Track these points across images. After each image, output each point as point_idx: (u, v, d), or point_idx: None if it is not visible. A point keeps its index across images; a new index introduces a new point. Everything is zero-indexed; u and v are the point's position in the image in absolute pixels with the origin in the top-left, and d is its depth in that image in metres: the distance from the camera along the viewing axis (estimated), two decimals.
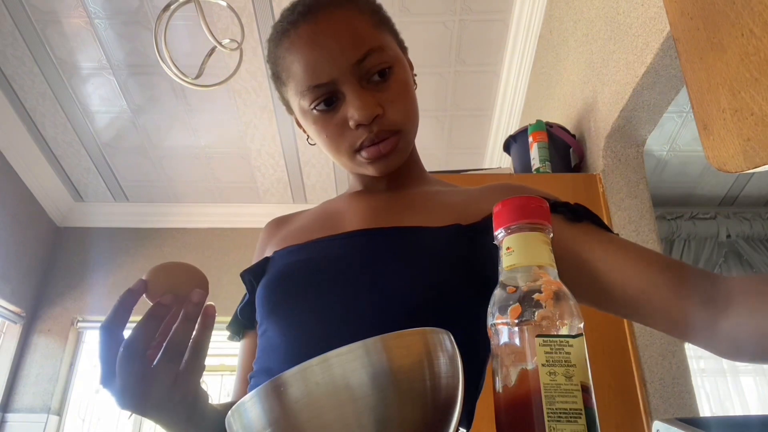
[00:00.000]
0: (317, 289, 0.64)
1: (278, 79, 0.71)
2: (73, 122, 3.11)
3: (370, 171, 0.69)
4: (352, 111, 0.64)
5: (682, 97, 1.78)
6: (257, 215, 3.66)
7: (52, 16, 2.54)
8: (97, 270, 3.56)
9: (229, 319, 0.78)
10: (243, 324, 0.76)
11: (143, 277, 0.53)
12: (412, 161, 0.77)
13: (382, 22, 0.69)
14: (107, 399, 3.40)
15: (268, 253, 0.75)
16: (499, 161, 3.03)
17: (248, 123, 3.07)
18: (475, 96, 2.93)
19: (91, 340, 3.54)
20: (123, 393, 0.50)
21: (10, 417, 3.18)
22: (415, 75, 0.75)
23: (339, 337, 0.59)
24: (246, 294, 0.75)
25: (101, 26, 2.59)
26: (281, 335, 0.63)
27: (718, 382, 3.13)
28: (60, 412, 3.28)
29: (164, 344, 0.50)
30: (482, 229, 0.64)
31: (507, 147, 1.98)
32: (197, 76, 2.00)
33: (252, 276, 0.73)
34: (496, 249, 0.62)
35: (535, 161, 1.76)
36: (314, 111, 0.66)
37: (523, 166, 1.84)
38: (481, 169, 1.90)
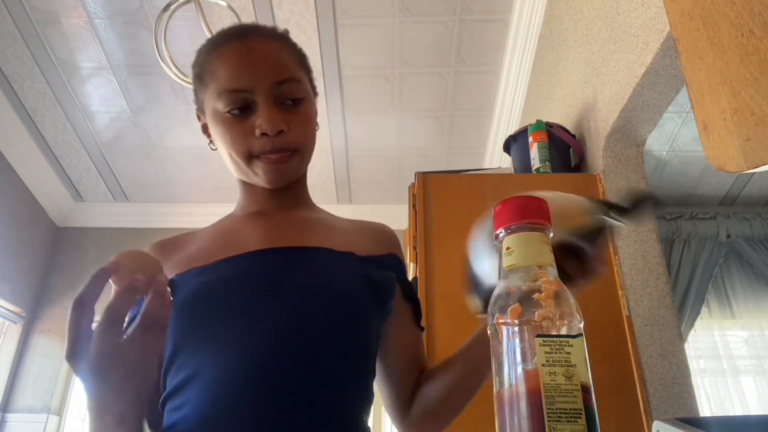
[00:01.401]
0: (235, 307, 0.67)
1: (200, 80, 0.77)
2: (73, 122, 3.11)
3: (261, 180, 0.76)
4: (261, 121, 0.71)
5: (682, 97, 1.78)
6: None
7: (52, 16, 2.54)
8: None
9: None
10: None
11: (112, 259, 0.59)
12: (302, 188, 0.85)
13: (304, 65, 0.80)
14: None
15: (169, 276, 0.74)
16: (499, 161, 3.03)
17: None
18: (475, 96, 2.93)
19: None
20: (97, 361, 0.52)
21: (10, 417, 3.18)
22: (318, 125, 0.83)
23: (258, 348, 0.63)
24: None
25: (101, 26, 2.59)
26: (204, 355, 0.64)
27: (718, 382, 3.13)
28: (60, 412, 3.28)
29: (139, 317, 0.55)
30: (375, 263, 0.76)
31: (507, 147, 1.98)
32: None
33: None
34: (390, 280, 0.76)
35: (535, 161, 1.76)
36: (226, 114, 0.73)
37: (523, 166, 1.84)
38: (481, 169, 1.91)
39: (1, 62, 2.76)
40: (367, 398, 0.70)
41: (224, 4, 2.01)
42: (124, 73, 2.82)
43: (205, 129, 0.81)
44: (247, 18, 2.52)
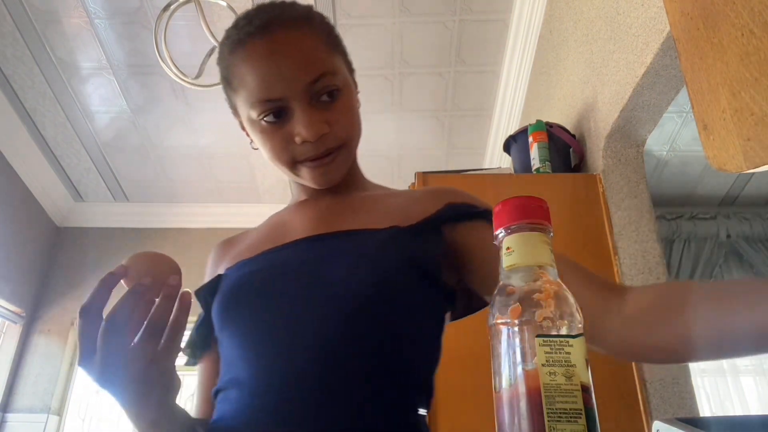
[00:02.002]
0: (266, 297, 0.66)
1: (229, 84, 0.73)
2: (73, 122, 3.11)
3: (310, 184, 0.74)
4: (300, 128, 0.67)
5: (682, 97, 1.78)
6: (257, 215, 3.65)
7: (52, 16, 2.54)
8: (97, 270, 3.56)
9: None
10: (199, 345, 0.76)
11: (123, 263, 0.57)
12: (353, 168, 0.81)
13: (334, 44, 0.73)
14: (98, 390, 3.40)
15: (221, 272, 0.76)
16: (499, 161, 3.03)
17: None
18: (475, 96, 2.93)
19: None
20: (103, 368, 0.52)
21: (10, 417, 3.18)
22: (359, 92, 0.78)
23: (291, 341, 0.61)
24: (201, 313, 0.76)
25: (101, 26, 2.59)
26: (239, 346, 0.65)
27: (718, 382, 3.13)
28: (60, 412, 3.28)
29: (145, 322, 0.53)
30: (419, 230, 0.69)
31: (507, 147, 1.98)
32: (197, 76, 2.00)
33: (207, 294, 0.74)
34: (435, 246, 0.68)
35: (535, 161, 1.76)
36: (262, 122, 0.69)
37: (523, 166, 1.84)
38: (481, 169, 1.91)
39: (1, 62, 2.76)
40: (412, 389, 0.64)
41: (224, 4, 2.01)
42: (124, 73, 2.82)
43: (242, 127, 0.78)
44: None
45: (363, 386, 0.60)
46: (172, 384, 0.57)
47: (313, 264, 0.67)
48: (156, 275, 0.55)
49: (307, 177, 0.72)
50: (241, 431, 0.59)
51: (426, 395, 0.66)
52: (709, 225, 3.31)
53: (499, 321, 0.39)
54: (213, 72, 2.73)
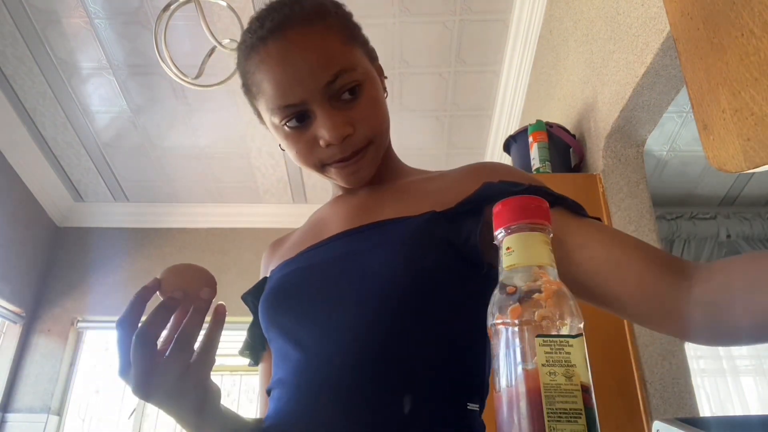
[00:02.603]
0: (304, 296, 0.66)
1: (249, 91, 0.71)
2: (73, 122, 3.11)
3: (341, 183, 0.72)
4: (323, 131, 0.65)
5: (682, 97, 1.78)
6: (257, 215, 3.67)
7: (52, 16, 2.54)
8: (97, 270, 3.56)
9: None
10: (254, 346, 0.78)
11: (158, 276, 0.57)
12: (387, 158, 0.78)
13: (352, 36, 0.69)
14: (118, 393, 3.40)
15: (268, 274, 0.77)
16: (499, 161, 3.03)
17: (248, 123, 3.07)
18: (475, 96, 2.93)
19: (91, 340, 3.54)
20: (137, 380, 0.52)
21: (10, 417, 3.18)
22: (386, 77, 0.76)
23: (333, 337, 0.60)
24: (253, 317, 0.78)
25: (101, 26, 2.59)
26: (282, 346, 0.66)
27: (718, 382, 3.13)
28: (60, 412, 3.28)
29: (176, 335, 0.53)
30: (457, 213, 0.65)
31: (507, 147, 1.98)
32: (197, 76, 2.00)
33: (253, 297, 0.76)
34: (474, 226, 0.64)
35: (535, 161, 1.76)
36: (285, 127, 0.67)
37: (523, 166, 1.84)
38: None
39: (1, 62, 2.76)
40: (466, 384, 0.61)
41: (224, 4, 2.01)
42: (124, 73, 2.82)
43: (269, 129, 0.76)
44: (247, 18, 2.51)
45: (405, 385, 0.58)
46: (207, 395, 0.57)
47: (348, 258, 0.66)
48: (188, 288, 0.55)
49: (337, 178, 0.71)
50: (288, 431, 0.59)
51: (477, 387, 0.62)
52: (709, 225, 3.31)
53: (499, 321, 0.39)
54: (213, 72, 2.73)
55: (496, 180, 0.67)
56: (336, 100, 0.65)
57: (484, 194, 0.65)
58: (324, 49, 0.65)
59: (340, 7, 0.70)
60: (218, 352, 0.57)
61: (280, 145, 0.73)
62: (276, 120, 0.67)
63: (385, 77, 0.76)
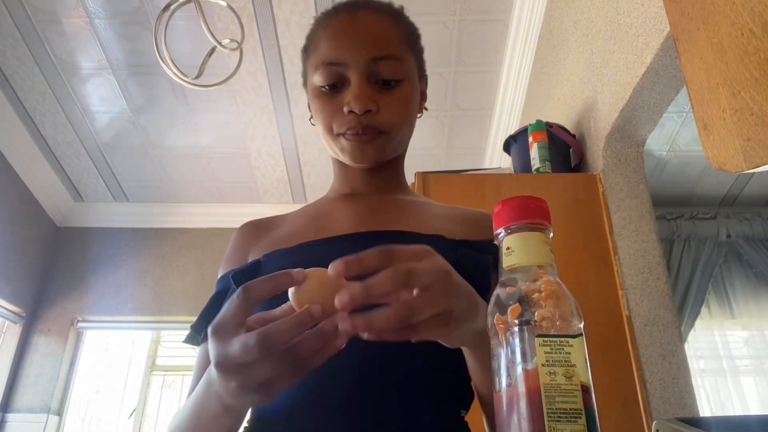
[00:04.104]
0: None
1: (305, 51, 0.76)
2: (73, 122, 3.11)
3: (346, 157, 0.73)
4: (350, 98, 0.69)
5: (682, 97, 1.78)
6: (257, 215, 3.65)
7: (52, 16, 2.54)
8: (97, 270, 3.56)
9: None
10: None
11: (305, 271, 0.47)
12: (397, 171, 0.81)
13: (412, 42, 0.75)
14: (118, 393, 3.40)
15: (255, 257, 0.73)
16: (499, 161, 3.03)
17: (248, 123, 3.07)
18: (475, 96, 2.93)
19: (91, 340, 3.54)
20: (236, 369, 0.44)
21: (10, 417, 3.18)
22: (426, 109, 0.80)
23: None
24: (212, 296, 0.73)
25: (101, 26, 2.59)
26: None
27: (718, 382, 3.13)
28: (60, 412, 3.28)
29: (291, 354, 0.44)
30: (464, 245, 0.69)
31: (507, 147, 1.98)
32: (197, 76, 2.00)
33: (243, 278, 0.69)
34: (485, 265, 0.66)
35: (535, 161, 1.76)
36: (321, 89, 0.72)
37: (523, 166, 1.84)
38: (481, 169, 1.91)
39: (1, 62, 2.76)
40: (459, 393, 0.64)
41: (224, 4, 2.01)
42: (124, 73, 2.82)
43: (309, 103, 0.79)
44: (247, 18, 2.52)
45: (412, 390, 0.59)
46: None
47: None
48: (325, 307, 0.44)
49: (344, 152, 0.72)
50: (292, 427, 0.58)
51: (467, 395, 0.66)
52: (709, 225, 3.31)
53: (499, 321, 0.39)
54: (213, 72, 2.72)
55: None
56: (373, 79, 0.70)
57: (488, 249, 0.68)
58: (382, 33, 0.71)
59: (411, 22, 0.77)
60: None
61: (310, 119, 0.77)
62: (317, 79, 0.71)
63: (426, 108, 0.80)
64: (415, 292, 0.43)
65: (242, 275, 0.71)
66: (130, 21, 2.56)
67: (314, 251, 0.69)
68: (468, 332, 0.48)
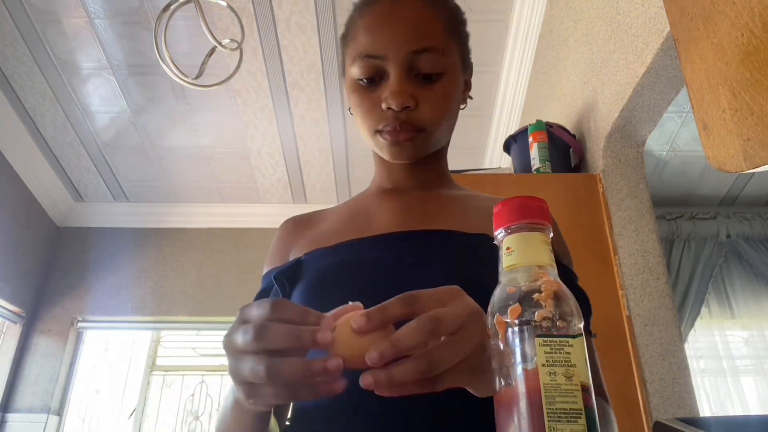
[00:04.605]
0: (354, 291, 0.60)
1: (344, 39, 0.74)
2: (73, 122, 3.11)
3: (384, 154, 0.71)
4: (387, 93, 0.66)
5: (682, 97, 1.78)
6: (257, 215, 3.67)
7: (52, 16, 2.55)
8: (97, 270, 3.56)
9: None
10: None
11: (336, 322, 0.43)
12: (439, 165, 0.79)
13: (455, 31, 0.72)
14: (118, 393, 3.40)
15: (296, 255, 0.72)
16: (499, 161, 3.03)
17: (248, 123, 3.07)
18: (475, 96, 2.93)
19: (91, 340, 3.54)
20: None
21: (10, 417, 3.18)
22: (471, 98, 0.78)
23: None
24: (257, 294, 0.74)
25: (101, 26, 2.59)
26: None
27: (718, 382, 3.13)
28: (60, 412, 3.28)
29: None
30: None
31: (507, 147, 1.98)
32: (197, 76, 2.00)
33: (284, 277, 0.70)
34: None
35: (535, 161, 1.76)
36: (359, 81, 0.69)
37: (523, 166, 1.84)
38: (481, 169, 1.91)
39: (1, 62, 2.76)
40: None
41: (224, 4, 2.01)
42: (124, 73, 2.82)
43: (347, 93, 0.77)
44: (247, 18, 2.52)
45: (444, 399, 0.55)
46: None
47: (405, 261, 0.64)
48: (354, 356, 0.41)
49: (383, 149, 0.70)
50: (329, 426, 0.57)
51: None
52: (709, 225, 3.32)
53: (498, 321, 0.39)
54: (213, 72, 2.72)
55: (557, 247, 0.67)
56: (413, 73, 0.67)
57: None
58: (424, 23, 0.67)
59: (457, 7, 0.74)
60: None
61: (349, 109, 0.75)
62: (355, 71, 0.69)
63: (470, 97, 0.77)
64: (443, 339, 0.41)
65: (284, 275, 0.70)
66: (130, 21, 2.56)
67: (353, 251, 0.68)
68: None
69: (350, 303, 0.45)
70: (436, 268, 0.63)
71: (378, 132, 0.69)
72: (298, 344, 0.41)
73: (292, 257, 0.73)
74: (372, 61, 0.67)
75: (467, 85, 0.77)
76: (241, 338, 0.42)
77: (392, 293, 0.59)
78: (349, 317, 0.43)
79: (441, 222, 0.69)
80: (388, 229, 0.70)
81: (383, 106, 0.67)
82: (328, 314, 0.44)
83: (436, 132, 0.71)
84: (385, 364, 0.40)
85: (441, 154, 0.79)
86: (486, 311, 0.57)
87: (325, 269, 0.66)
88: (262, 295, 0.72)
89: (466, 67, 0.76)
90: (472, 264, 0.63)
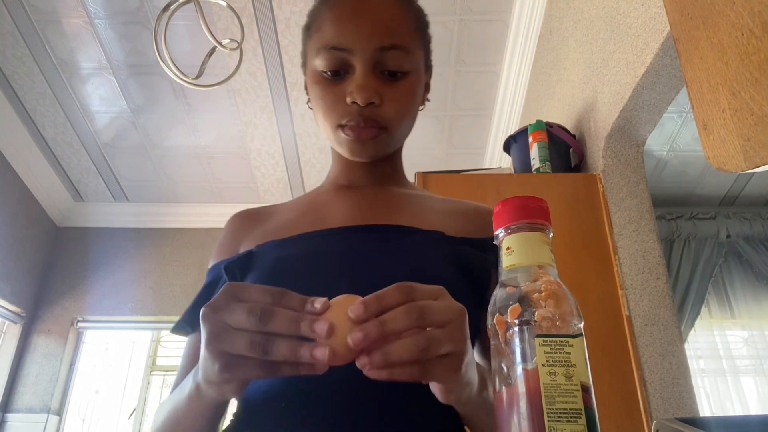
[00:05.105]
0: (311, 283, 0.62)
1: (308, 30, 0.72)
2: (73, 122, 3.11)
3: (344, 151, 0.70)
4: (353, 88, 0.65)
5: (682, 97, 1.78)
6: None
7: (52, 16, 2.54)
8: (97, 270, 3.56)
9: None
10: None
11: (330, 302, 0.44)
12: (395, 165, 0.79)
13: (421, 32, 0.72)
14: (119, 393, 3.40)
15: (247, 248, 0.71)
16: (499, 161, 3.03)
17: (248, 123, 3.07)
18: (475, 96, 2.93)
19: (91, 340, 3.54)
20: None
21: (10, 417, 3.18)
22: (428, 100, 0.77)
23: None
24: (203, 286, 0.71)
25: (101, 26, 2.59)
26: None
27: (718, 382, 3.13)
28: (60, 412, 3.28)
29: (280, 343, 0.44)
30: (465, 243, 0.68)
31: (507, 147, 1.98)
32: (197, 76, 2.00)
33: (237, 269, 0.68)
34: (486, 263, 0.66)
35: (535, 161, 1.76)
36: (323, 74, 0.68)
37: (523, 166, 1.84)
38: (481, 169, 1.91)
39: (1, 62, 2.76)
40: None
41: (224, 4, 2.01)
42: (124, 73, 2.82)
43: (306, 86, 0.76)
44: (247, 18, 2.52)
45: (413, 388, 0.56)
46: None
47: (363, 254, 0.64)
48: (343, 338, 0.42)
49: (343, 145, 0.69)
50: (280, 411, 0.56)
51: None
52: (709, 225, 3.31)
53: (498, 321, 0.39)
54: (213, 72, 2.72)
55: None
56: (379, 70, 0.67)
57: (490, 247, 0.69)
58: (393, 20, 0.67)
59: (422, 10, 0.74)
60: None
61: (308, 102, 0.74)
62: (319, 63, 0.67)
63: (428, 99, 0.77)
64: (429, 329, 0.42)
65: (235, 266, 0.69)
66: (130, 21, 2.56)
67: (309, 243, 0.67)
68: (471, 381, 0.48)
69: (346, 294, 0.45)
70: (393, 262, 0.63)
71: (340, 127, 0.68)
72: (298, 332, 0.41)
73: (242, 250, 0.72)
74: (338, 53, 0.66)
75: (427, 87, 0.77)
76: (243, 317, 0.42)
77: (349, 285, 0.59)
78: (343, 301, 0.44)
79: (397, 218, 0.70)
80: (345, 222, 0.69)
81: (348, 100, 0.66)
82: (326, 301, 0.44)
83: (398, 131, 0.70)
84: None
85: (397, 154, 0.79)
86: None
87: (280, 260, 0.65)
88: (209, 288, 0.71)
89: (428, 68, 0.76)
90: (427, 259, 0.65)
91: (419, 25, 0.71)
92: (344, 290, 0.58)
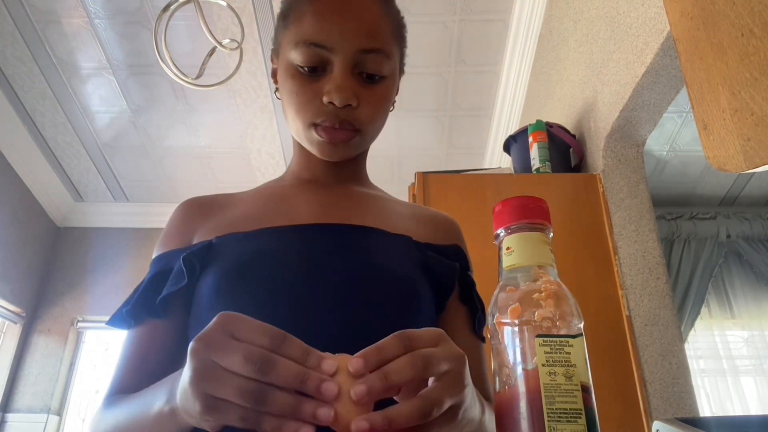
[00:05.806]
0: (279, 280, 0.60)
1: (284, 18, 0.70)
2: (73, 122, 3.11)
3: (315, 150, 0.69)
4: (331, 87, 0.64)
5: (682, 97, 1.78)
6: None
7: (52, 16, 2.54)
8: (97, 270, 3.56)
9: None
10: (150, 311, 0.64)
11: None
12: (360, 163, 0.80)
13: (401, 36, 0.72)
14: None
15: (202, 238, 0.68)
16: (499, 161, 3.03)
17: (248, 123, 3.07)
18: (475, 96, 2.93)
19: (91, 340, 3.54)
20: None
21: (10, 417, 3.18)
22: (394, 102, 0.76)
23: (310, 324, 0.57)
24: (148, 276, 0.67)
25: (101, 26, 2.59)
26: None
27: (718, 382, 3.13)
28: (60, 412, 3.28)
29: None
30: (431, 249, 0.70)
31: (507, 147, 1.98)
32: (197, 76, 2.00)
33: (195, 261, 0.64)
34: (449, 271, 0.68)
35: (535, 161, 1.76)
36: (300, 68, 0.66)
37: (523, 166, 1.84)
38: (481, 169, 1.91)
39: (1, 62, 2.76)
40: None
41: (224, 4, 2.01)
42: (124, 73, 2.82)
43: (275, 74, 0.74)
44: (247, 18, 2.52)
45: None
46: None
47: (328, 255, 0.64)
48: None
49: (315, 142, 0.68)
50: None
51: None
52: (709, 225, 3.31)
53: (499, 321, 0.39)
54: (213, 72, 2.72)
55: (463, 247, 0.75)
56: (357, 71, 0.66)
57: (454, 254, 0.72)
58: (375, 23, 0.66)
59: (399, 10, 0.74)
60: None
61: (276, 91, 0.72)
62: (296, 56, 0.65)
63: (394, 102, 0.77)
64: (430, 381, 0.40)
65: (194, 257, 0.64)
66: (130, 21, 2.56)
67: (276, 238, 0.65)
68: (473, 419, 0.47)
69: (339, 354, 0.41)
70: (363, 264, 0.63)
71: (314, 126, 0.66)
72: (301, 389, 0.37)
73: (196, 241, 0.68)
74: (317, 50, 0.64)
75: (397, 90, 0.76)
76: (239, 362, 0.37)
77: (316, 287, 0.60)
78: (341, 358, 0.40)
79: (365, 219, 0.70)
80: (311, 220, 0.68)
81: (324, 99, 0.64)
82: (327, 357, 0.40)
83: (370, 134, 0.70)
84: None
85: (363, 154, 0.79)
86: (402, 304, 0.61)
87: (245, 255, 0.63)
88: (155, 279, 0.66)
89: (401, 72, 0.76)
90: (398, 261, 0.65)
91: (399, 29, 0.71)
92: (310, 293, 0.58)
